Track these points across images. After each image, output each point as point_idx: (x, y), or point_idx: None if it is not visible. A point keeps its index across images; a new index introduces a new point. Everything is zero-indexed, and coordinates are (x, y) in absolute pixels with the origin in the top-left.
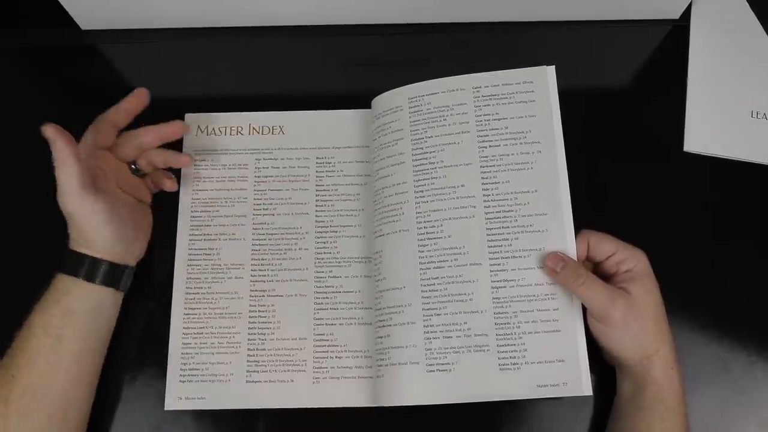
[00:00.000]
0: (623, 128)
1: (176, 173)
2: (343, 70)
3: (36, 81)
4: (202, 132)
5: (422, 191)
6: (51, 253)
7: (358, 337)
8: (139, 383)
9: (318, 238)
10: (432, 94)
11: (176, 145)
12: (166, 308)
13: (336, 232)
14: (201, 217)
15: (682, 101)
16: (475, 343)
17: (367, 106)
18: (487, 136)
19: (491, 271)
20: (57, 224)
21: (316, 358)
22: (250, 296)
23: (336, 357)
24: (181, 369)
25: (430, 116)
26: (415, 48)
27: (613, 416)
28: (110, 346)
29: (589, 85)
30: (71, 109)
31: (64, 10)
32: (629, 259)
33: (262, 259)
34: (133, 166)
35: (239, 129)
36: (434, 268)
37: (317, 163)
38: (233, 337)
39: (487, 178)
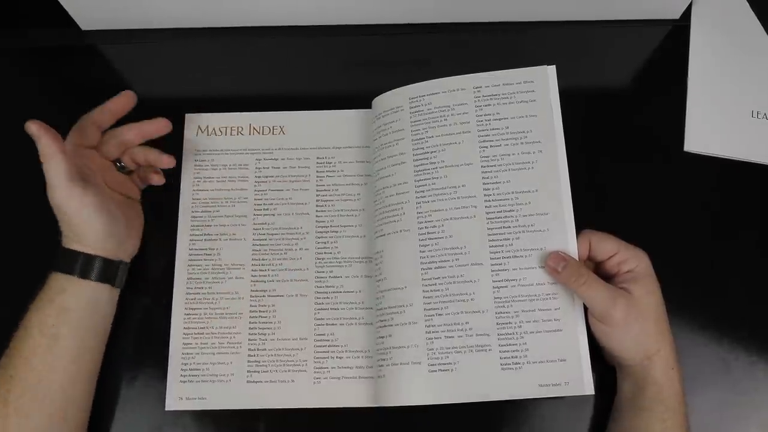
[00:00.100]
0: (624, 128)
1: (176, 173)
2: (343, 70)
3: (36, 81)
4: (202, 132)
5: (423, 191)
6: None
7: (359, 337)
8: (139, 383)
9: (318, 238)
10: (433, 94)
11: (177, 146)
12: (166, 308)
13: (336, 232)
14: (201, 217)
15: (682, 101)
16: (476, 342)
17: (368, 106)
18: (488, 136)
19: (492, 270)
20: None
21: (317, 358)
22: (251, 296)
23: (337, 357)
24: (182, 369)
25: (431, 116)
26: (416, 48)
27: (613, 416)
28: (111, 346)
29: (590, 85)
30: (71, 109)
31: (65, 10)
32: (631, 260)
33: (263, 260)
34: (118, 164)
35: (240, 129)
36: (435, 268)
37: (318, 163)
38: (234, 337)
39: (488, 177)
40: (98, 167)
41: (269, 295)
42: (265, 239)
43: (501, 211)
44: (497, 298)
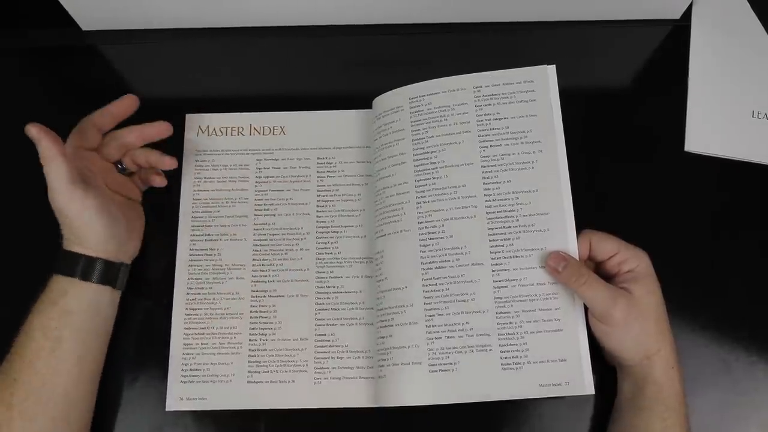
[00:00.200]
0: (624, 128)
1: (177, 174)
2: (343, 71)
3: (36, 81)
4: (202, 132)
5: (423, 191)
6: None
7: (360, 338)
8: (140, 384)
9: (319, 238)
10: (433, 94)
11: (177, 146)
12: (167, 309)
13: (337, 232)
14: (202, 217)
15: (683, 101)
16: (477, 343)
17: (368, 106)
18: (488, 135)
19: (493, 270)
20: (56, 223)
21: (318, 358)
22: (252, 297)
23: (337, 357)
24: (183, 369)
25: (431, 116)
26: (416, 48)
27: (613, 416)
28: (111, 346)
29: (590, 84)
30: (71, 109)
31: (65, 10)
32: (631, 259)
33: (263, 260)
34: (119, 166)
35: (240, 129)
36: (436, 268)
37: (318, 163)
38: (234, 337)
39: (488, 177)
40: (99, 169)
41: (270, 296)
42: (266, 239)
43: (501, 211)
44: (498, 298)
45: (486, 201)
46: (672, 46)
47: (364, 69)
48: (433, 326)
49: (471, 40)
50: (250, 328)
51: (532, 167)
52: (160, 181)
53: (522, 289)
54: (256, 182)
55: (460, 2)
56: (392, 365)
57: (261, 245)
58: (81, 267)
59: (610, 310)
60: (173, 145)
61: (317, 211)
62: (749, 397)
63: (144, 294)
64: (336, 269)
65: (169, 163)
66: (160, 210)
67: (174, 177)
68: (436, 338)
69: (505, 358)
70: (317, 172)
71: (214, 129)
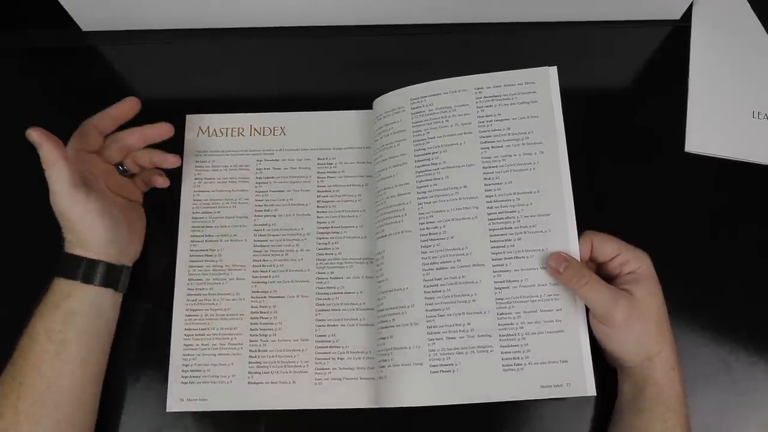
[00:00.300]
0: (624, 128)
1: (178, 174)
2: (343, 71)
3: (36, 82)
4: (203, 133)
5: (425, 192)
6: (51, 251)
7: (360, 339)
8: (140, 385)
9: (319, 239)
10: (434, 95)
11: (178, 147)
12: (167, 310)
13: (337, 233)
14: (202, 218)
15: (683, 102)
16: (478, 344)
17: (368, 107)
18: (490, 136)
19: (494, 271)
20: (58, 224)
21: (318, 359)
22: (252, 297)
23: (338, 358)
24: (183, 370)
25: (433, 117)
26: (416, 49)
27: (614, 418)
28: (112, 348)
29: (591, 85)
30: (72, 110)
31: (65, 11)
32: (633, 261)
33: (264, 261)
34: (120, 167)
35: (240, 130)
36: (437, 269)
37: (318, 164)
38: (235, 338)
39: (489, 178)
40: (100, 172)
41: (270, 296)
42: (266, 240)
43: (502, 212)
44: (499, 299)
45: (487, 202)
46: (672, 47)
47: (364, 70)
48: (434, 327)
49: (471, 41)
50: (251, 329)
51: (534, 168)
52: (162, 182)
53: (523, 290)
54: (257, 183)
55: (460, 3)
56: (393, 366)
57: (261, 246)
58: (83, 270)
59: (611, 312)
60: (173, 146)
61: (318, 211)
62: (749, 397)
63: (144, 295)
64: (336, 270)
65: (172, 161)
66: (161, 211)
67: (174, 178)
68: (437, 339)
69: (506, 359)
70: (317, 172)
71: (215, 130)
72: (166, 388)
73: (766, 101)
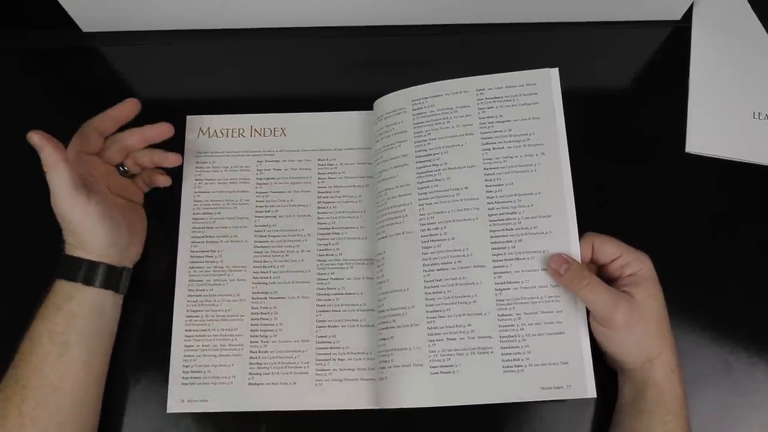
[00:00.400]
0: (625, 129)
1: (178, 175)
2: (344, 72)
3: (36, 83)
4: (203, 134)
5: (426, 193)
6: (51, 253)
7: (361, 339)
8: (141, 386)
9: (320, 240)
10: (436, 96)
11: (178, 148)
12: (167, 311)
13: (338, 233)
14: (203, 219)
15: (683, 102)
16: (478, 345)
17: (369, 107)
18: (491, 138)
19: (495, 273)
20: (58, 225)
21: (319, 360)
22: (252, 298)
23: (338, 359)
24: (184, 371)
25: (434, 118)
26: (417, 49)
27: (614, 420)
28: (113, 348)
29: (591, 86)
30: (72, 111)
31: (65, 11)
32: (633, 263)
33: (264, 261)
34: (120, 168)
35: (241, 131)
36: (438, 270)
37: (319, 164)
38: (235, 339)
39: (490, 180)
40: (101, 173)
41: (271, 297)
42: (267, 241)
43: (504, 214)
44: (499, 300)
45: (488, 203)
46: (673, 47)
47: (365, 70)
48: (434, 328)
49: (471, 41)
50: (251, 330)
51: (535, 170)
52: (164, 181)
53: (524, 292)
54: (257, 184)
55: (461, 4)
56: (393, 367)
57: (262, 247)
58: (83, 272)
59: (612, 314)
60: (174, 147)
61: (318, 212)
62: (750, 397)
63: (145, 296)
64: (337, 271)
65: (173, 159)
66: (161, 212)
67: (175, 179)
68: (437, 340)
69: (507, 360)
70: (318, 173)
71: (215, 131)
72: (167, 389)
73: (767, 102)
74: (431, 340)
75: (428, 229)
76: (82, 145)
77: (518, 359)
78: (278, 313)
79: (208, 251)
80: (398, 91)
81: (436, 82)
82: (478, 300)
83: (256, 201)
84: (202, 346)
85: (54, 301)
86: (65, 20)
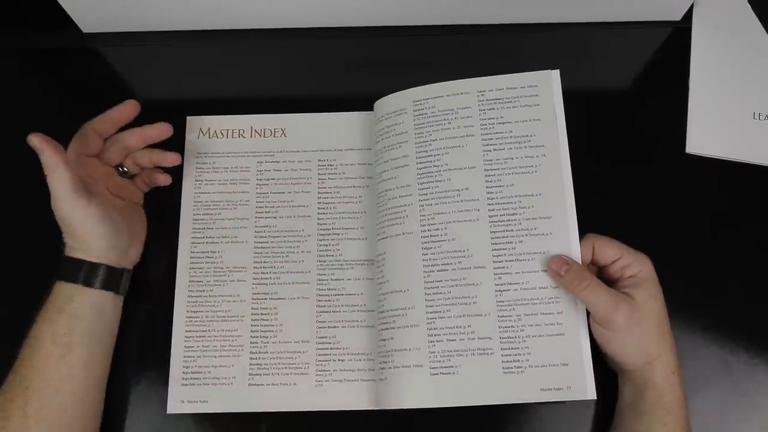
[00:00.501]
0: (625, 130)
1: (178, 176)
2: (344, 73)
3: (36, 83)
4: (203, 135)
5: (426, 194)
6: (50, 253)
7: (361, 340)
8: (141, 387)
9: (320, 240)
10: (437, 97)
11: (178, 148)
12: (168, 311)
13: (338, 234)
14: (203, 219)
15: (684, 103)
16: (478, 346)
17: (369, 108)
18: (492, 139)
19: (495, 274)
20: (57, 226)
21: (319, 361)
22: (253, 299)
23: (339, 360)
24: (184, 372)
25: (435, 119)
26: (417, 50)
27: (614, 421)
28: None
29: (591, 86)
30: (72, 111)
31: (65, 12)
32: (634, 264)
33: (264, 262)
34: (120, 169)
35: (241, 132)
36: (438, 270)
37: (319, 165)
38: (235, 340)
39: (491, 181)
40: (100, 175)
41: (271, 298)
42: (267, 242)
43: (504, 215)
44: (500, 301)
45: (489, 204)
46: (673, 48)
47: (365, 71)
48: (434, 329)
49: (471, 42)
50: (252, 331)
51: (535, 171)
52: (164, 180)
53: (524, 293)
54: (257, 184)
55: (461, 4)
56: (393, 368)
57: (262, 247)
58: (83, 273)
59: (612, 315)
60: (174, 148)
61: (318, 213)
62: (750, 398)
63: (145, 296)
64: (337, 271)
65: (172, 159)
66: (161, 213)
67: (175, 179)
68: (437, 341)
69: (507, 361)
70: (318, 174)
71: (215, 131)
72: (167, 390)
73: (767, 102)
74: (431, 341)
75: (429, 230)
76: (81, 147)
77: (518, 360)
78: (278, 314)
79: (208, 252)
80: (399, 92)
81: (437, 84)
82: (478, 301)
83: (257, 202)
84: (202, 346)
85: (55, 302)
86: (65, 20)
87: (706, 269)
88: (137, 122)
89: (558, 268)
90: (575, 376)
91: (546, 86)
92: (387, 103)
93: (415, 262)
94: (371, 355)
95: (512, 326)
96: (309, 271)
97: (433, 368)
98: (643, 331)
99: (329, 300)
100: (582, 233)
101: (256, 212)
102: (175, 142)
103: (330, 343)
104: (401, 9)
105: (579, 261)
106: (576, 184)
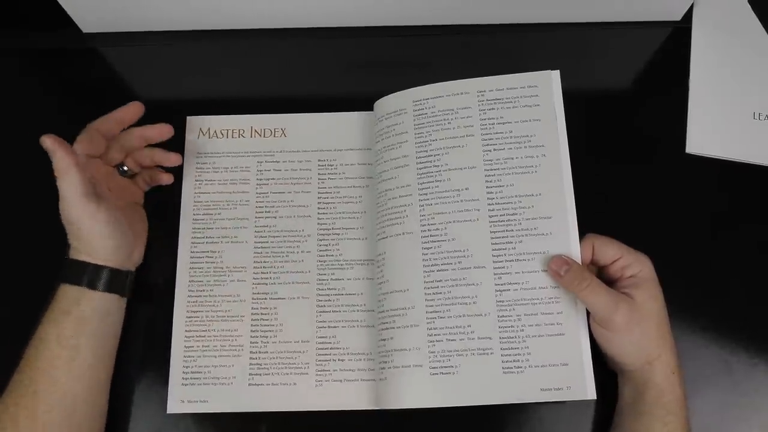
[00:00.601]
0: (625, 130)
1: (178, 176)
2: (344, 73)
3: (37, 83)
4: (203, 135)
5: (426, 194)
6: (53, 255)
7: (361, 340)
8: (141, 386)
9: (320, 240)
10: (437, 97)
11: (178, 148)
12: (168, 311)
13: (338, 234)
14: (203, 219)
15: (684, 103)
16: (478, 346)
17: (369, 108)
18: (492, 139)
19: (495, 274)
20: (58, 226)
21: (319, 361)
22: (253, 299)
23: (339, 360)
24: (184, 372)
25: (435, 119)
26: (417, 50)
27: (614, 421)
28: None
29: (591, 87)
30: (72, 111)
31: (65, 12)
32: (634, 264)
33: (265, 262)
34: (120, 168)
35: (241, 132)
36: (438, 270)
37: (319, 165)
38: (236, 340)
39: (491, 181)
40: (102, 175)
41: (271, 298)
42: (267, 242)
43: (504, 215)
44: (499, 301)
45: (489, 204)
46: (673, 48)
47: (365, 71)
48: (434, 329)
49: (471, 42)
50: (252, 331)
51: (535, 171)
52: (167, 179)
53: (524, 293)
54: (257, 184)
55: (461, 4)
56: (393, 368)
57: (262, 247)
58: (88, 276)
59: (612, 315)
60: (174, 148)
61: (318, 213)
62: (750, 398)
63: (145, 297)
64: (337, 271)
65: (174, 159)
66: (161, 213)
67: (175, 179)
68: (437, 341)
69: (507, 361)
70: (318, 174)
71: (215, 131)
72: (167, 389)
73: (767, 102)
74: (431, 341)
75: (428, 230)
76: (87, 148)
77: (518, 360)
78: (278, 314)
79: (208, 252)
80: (399, 92)
81: (437, 84)
82: (478, 301)
83: (257, 202)
84: (203, 346)
85: (60, 305)
86: (65, 20)
87: (706, 269)
88: (139, 122)
89: (558, 268)
90: (575, 376)
91: (546, 86)
92: (387, 103)
93: (415, 262)
94: (371, 355)
95: (512, 326)
96: (309, 271)
97: (433, 368)
98: (643, 331)
99: (329, 300)
100: (582, 233)
101: (256, 212)
102: (175, 142)
103: (330, 343)
104: (401, 9)
105: (579, 261)
106: (576, 184)
